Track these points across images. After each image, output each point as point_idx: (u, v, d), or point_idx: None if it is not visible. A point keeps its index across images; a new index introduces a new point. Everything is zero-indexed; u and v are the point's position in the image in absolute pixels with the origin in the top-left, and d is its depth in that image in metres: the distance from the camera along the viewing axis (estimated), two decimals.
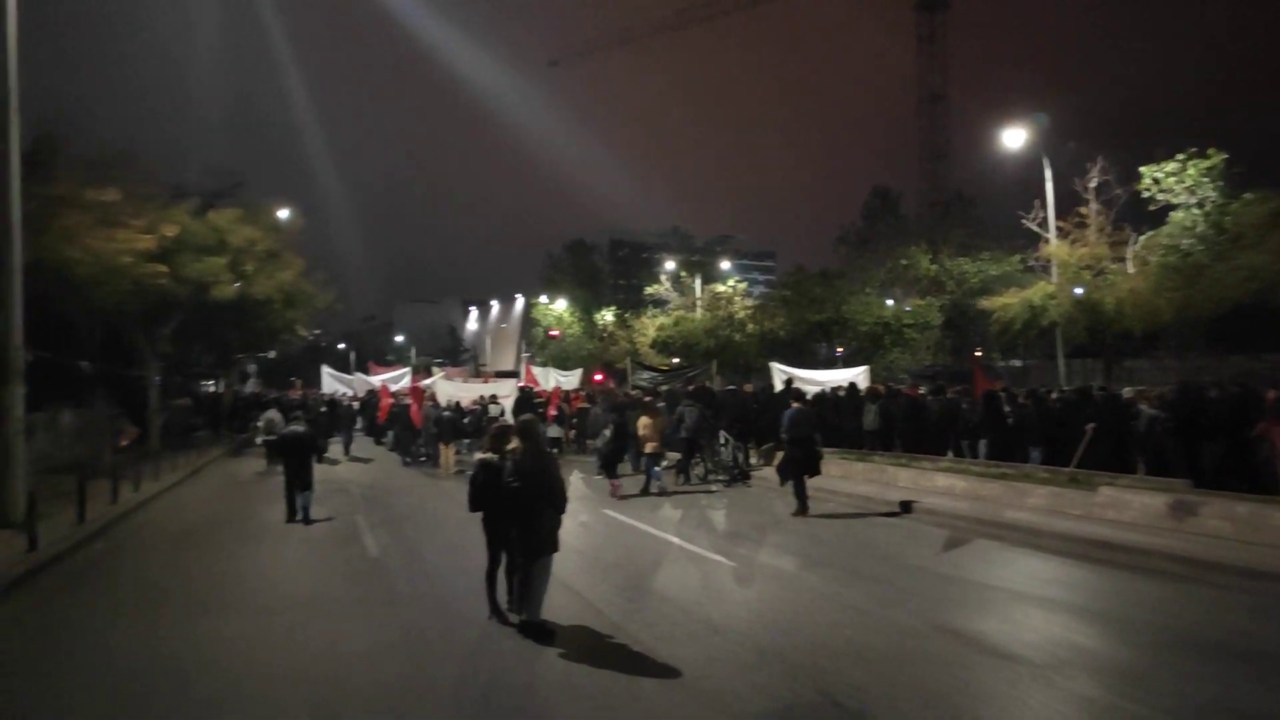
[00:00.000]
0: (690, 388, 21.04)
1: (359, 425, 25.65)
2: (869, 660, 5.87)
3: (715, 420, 17.00)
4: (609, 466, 15.16)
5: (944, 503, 11.97)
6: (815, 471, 12.44)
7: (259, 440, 21.38)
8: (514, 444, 6.90)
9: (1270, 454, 10.24)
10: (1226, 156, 21.41)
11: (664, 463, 15.61)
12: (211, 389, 39.47)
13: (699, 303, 43.49)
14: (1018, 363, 36.86)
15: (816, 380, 22.18)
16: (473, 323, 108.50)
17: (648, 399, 17.47)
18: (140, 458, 16.51)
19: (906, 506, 12.10)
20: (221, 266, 19.92)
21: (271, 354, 53.39)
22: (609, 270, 73.02)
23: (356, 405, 26.47)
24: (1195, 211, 21.87)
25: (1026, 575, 8.50)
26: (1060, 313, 23.23)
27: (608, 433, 15.71)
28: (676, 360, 36.59)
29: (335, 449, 22.43)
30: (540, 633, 6.50)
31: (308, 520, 12.18)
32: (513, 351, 78.48)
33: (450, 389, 25.14)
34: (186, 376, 30.22)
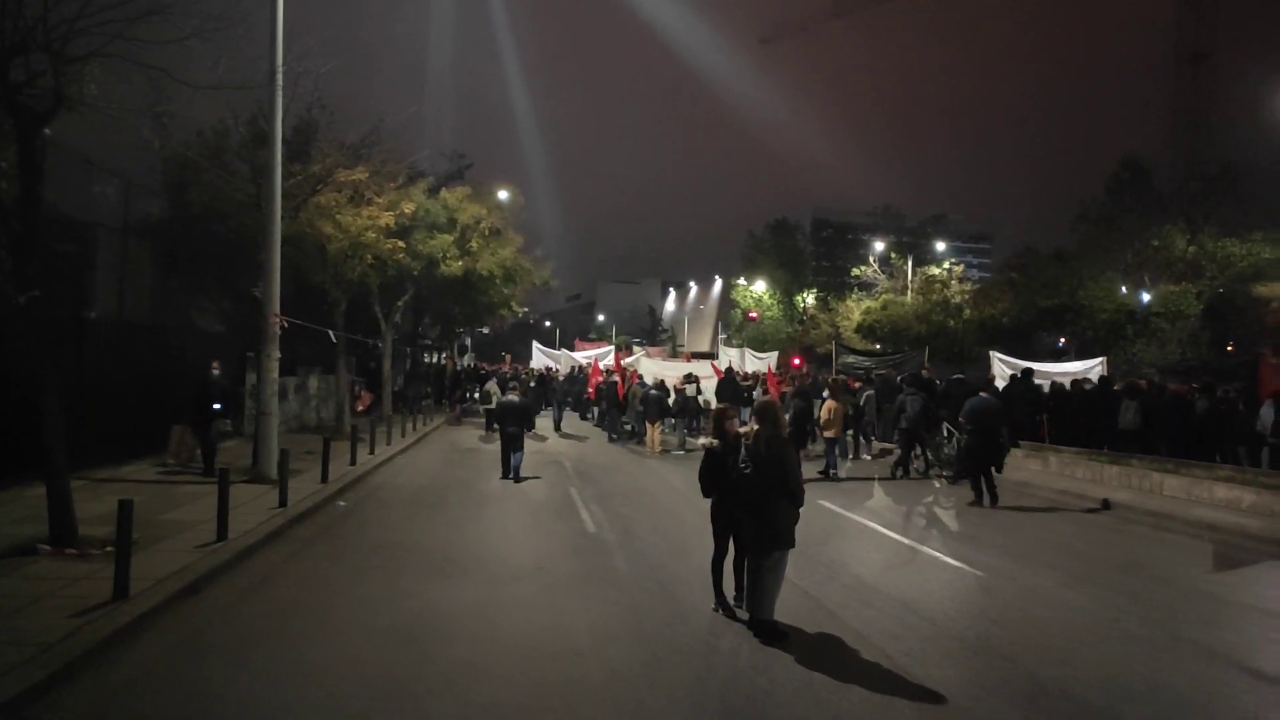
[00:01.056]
0: (901, 376, 19.80)
1: (568, 400, 26.37)
2: (1180, 710, 4.93)
3: (938, 412, 15.79)
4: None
5: (1225, 517, 10.30)
6: (998, 465, 12.28)
7: (481, 409, 22.75)
8: (748, 428, 6.45)
9: None
10: None
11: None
12: (433, 360, 42.23)
13: (910, 286, 41.25)
14: None
15: (1048, 373, 20.24)
16: (671, 303, 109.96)
17: (833, 381, 17.37)
18: (375, 422, 17.77)
19: (1173, 519, 10.53)
20: (450, 243, 21.02)
21: (485, 329, 56.58)
22: (811, 251, 71.17)
23: (564, 381, 27.17)
24: None
25: None
26: None
27: (787, 416, 15.25)
28: (879, 346, 34.84)
29: (544, 423, 23.13)
30: (772, 633, 6.03)
31: (518, 478, 13.68)
32: (709, 332, 78.65)
33: (654, 367, 25.25)
34: (415, 347, 32.47)
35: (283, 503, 10.25)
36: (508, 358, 61.73)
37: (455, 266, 21.18)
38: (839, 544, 9.46)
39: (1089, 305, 31.18)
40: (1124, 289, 33.14)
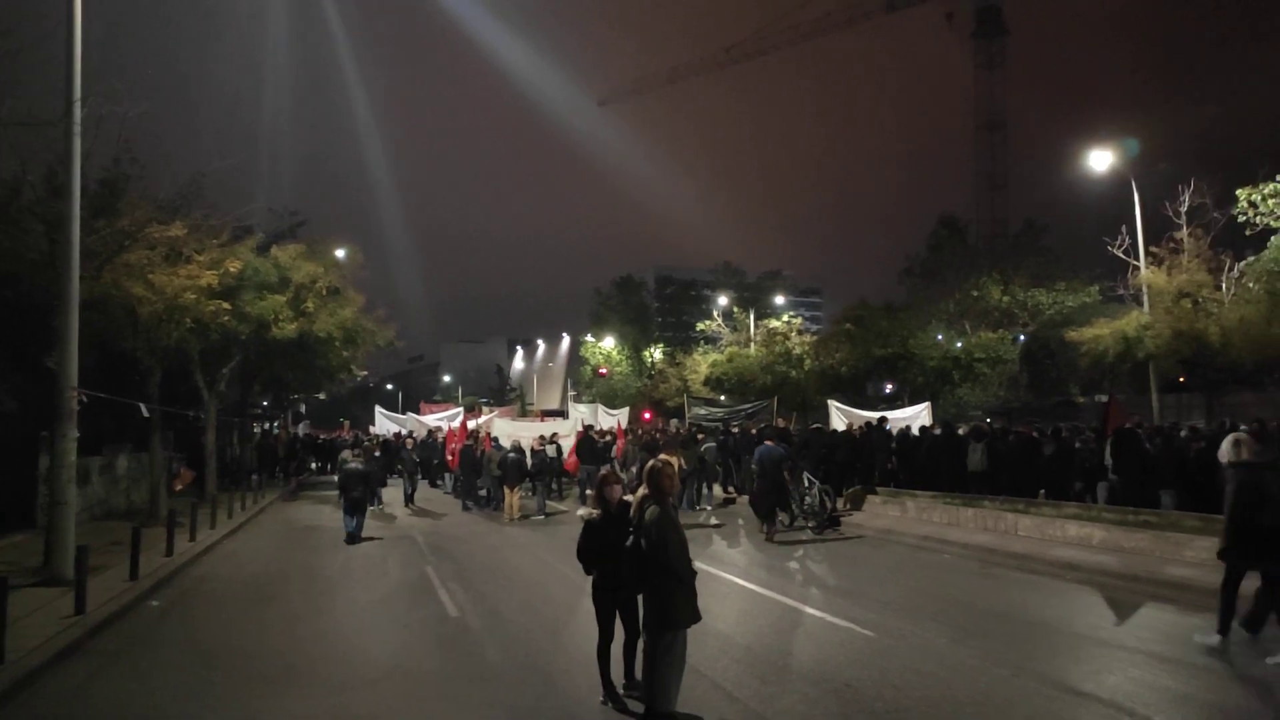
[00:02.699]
0: (762, 425, 19.96)
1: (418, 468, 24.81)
2: None
3: (799, 462, 15.87)
4: None
5: (1084, 556, 10.66)
6: (783, 504, 14.72)
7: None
8: (636, 494, 5.87)
9: None
10: None
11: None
12: (262, 430, 39.21)
13: (753, 339, 42.44)
14: (1103, 398, 34.95)
15: (871, 417, 21.10)
16: (519, 361, 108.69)
17: (669, 435, 19.75)
18: (197, 503, 15.79)
19: (1037, 560, 10.80)
20: (283, 304, 19.38)
21: (322, 395, 53.41)
22: (656, 308, 72.35)
23: (412, 448, 25.54)
24: None
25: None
26: (1158, 344, 21.73)
27: (634, 469, 17.17)
28: (723, 398, 35.49)
29: (392, 494, 21.65)
30: None
31: (358, 540, 14.37)
32: (559, 390, 78.03)
33: (509, 428, 24.27)
34: (243, 418, 29.85)
35: (80, 609, 8.62)
36: (346, 424, 58.53)
37: (289, 329, 19.50)
38: (721, 609, 8.95)
39: (919, 353, 33.02)
40: (940, 337, 35.40)
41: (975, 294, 34.76)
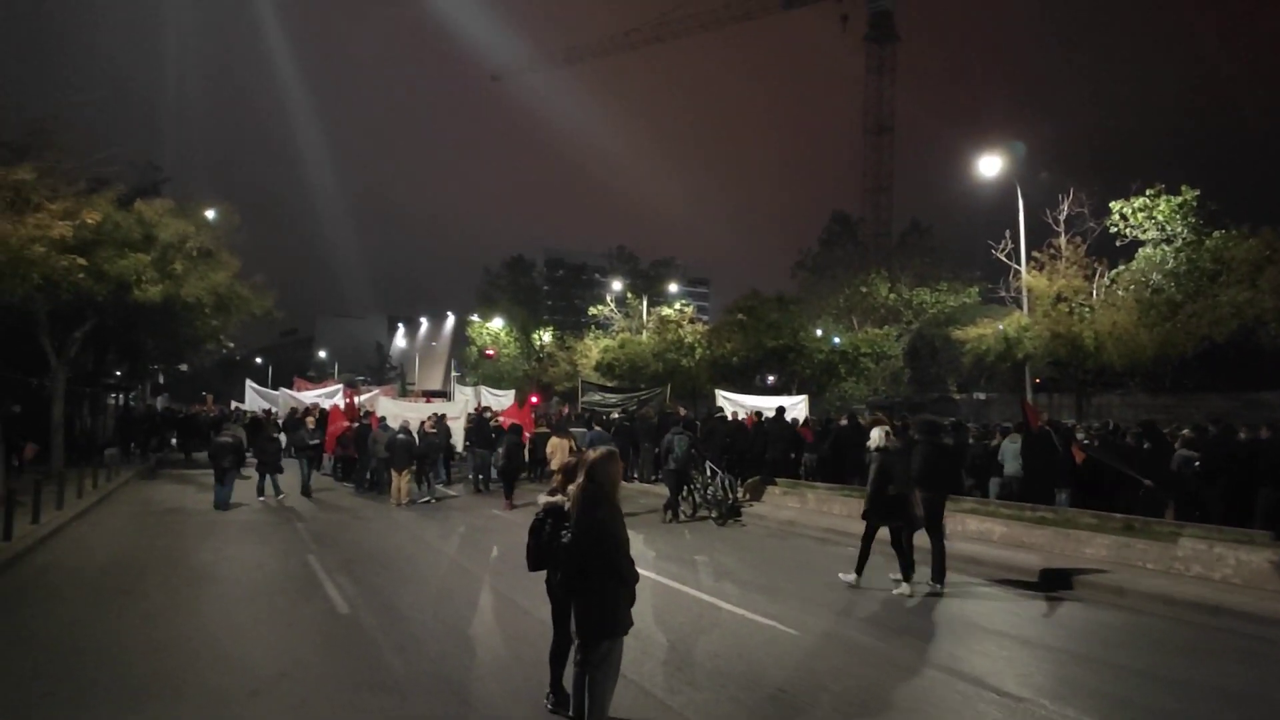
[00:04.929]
0: (666, 412, 19.69)
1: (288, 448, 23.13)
2: None
3: (703, 450, 15.64)
4: (506, 484, 17.08)
5: (989, 551, 10.78)
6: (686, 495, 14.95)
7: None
8: (573, 487, 5.28)
9: None
10: (1198, 193, 21.29)
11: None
12: (125, 402, 36.13)
13: (646, 326, 42.29)
14: (981, 396, 36.64)
15: (753, 406, 21.27)
16: (400, 340, 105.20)
17: (555, 420, 19.66)
18: (41, 480, 14.04)
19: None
20: (147, 264, 17.54)
21: (184, 366, 49.89)
22: (546, 290, 71.43)
23: (314, 427, 23.76)
24: (1165, 248, 21.72)
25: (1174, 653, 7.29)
26: (1037, 345, 22.70)
27: (501, 451, 17.67)
28: (610, 384, 35.27)
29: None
30: None
31: (226, 506, 15.25)
32: (442, 370, 75.92)
33: (396, 408, 23.07)
34: (95, 388, 27.16)
35: None
36: (209, 399, 55.06)
37: (153, 292, 17.67)
38: (638, 606, 8.41)
39: (809, 346, 33.66)
40: (820, 331, 36.24)
41: (864, 290, 35.67)
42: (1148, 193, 21.72)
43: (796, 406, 22.21)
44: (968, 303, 32.74)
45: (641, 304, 44.48)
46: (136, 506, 16.18)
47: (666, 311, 41.83)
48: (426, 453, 19.08)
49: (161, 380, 51.48)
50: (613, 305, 46.54)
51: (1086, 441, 13.90)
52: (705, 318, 54.59)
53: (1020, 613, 8.44)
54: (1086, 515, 11.08)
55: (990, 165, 24.23)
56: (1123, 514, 11.10)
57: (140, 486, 19.60)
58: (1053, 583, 9.30)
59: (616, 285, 49.74)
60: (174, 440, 30.44)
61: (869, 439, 9.93)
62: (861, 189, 55.94)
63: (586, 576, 4.95)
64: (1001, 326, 24.10)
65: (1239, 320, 19.76)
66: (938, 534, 9.39)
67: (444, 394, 39.32)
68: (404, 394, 44.78)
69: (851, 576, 9.35)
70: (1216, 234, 20.94)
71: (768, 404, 21.15)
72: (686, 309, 42.18)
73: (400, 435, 17.24)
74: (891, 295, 35.36)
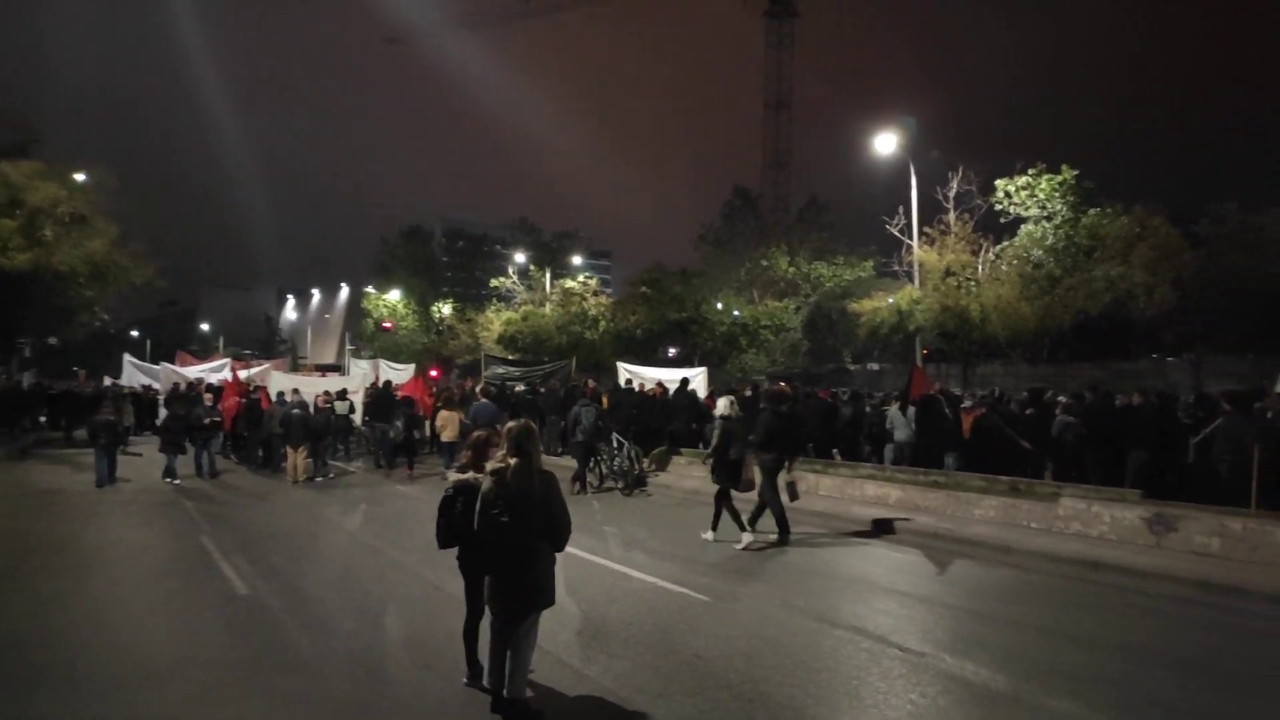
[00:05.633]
0: (572, 385, 19.58)
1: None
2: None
3: (609, 422, 15.66)
4: (403, 454, 17.63)
5: (887, 514, 11.18)
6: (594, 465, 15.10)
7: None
8: (496, 458, 5.16)
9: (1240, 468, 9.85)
10: (1077, 173, 22.48)
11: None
12: (5, 375, 33.44)
13: (549, 298, 41.93)
14: (875, 366, 37.96)
15: (656, 378, 21.41)
16: (290, 312, 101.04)
17: (445, 391, 20.02)
18: None
19: (847, 519, 11.21)
20: (13, 229, 16.15)
21: (53, 340, 46.52)
22: (446, 261, 69.74)
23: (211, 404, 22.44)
24: (1046, 225, 22.88)
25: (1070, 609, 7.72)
26: (927, 317, 23.63)
27: (399, 424, 17.79)
28: (512, 357, 34.95)
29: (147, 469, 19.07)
30: (525, 714, 4.89)
31: (107, 482, 14.92)
32: (336, 344, 73.50)
33: (290, 383, 22.16)
34: None
35: None
36: (82, 374, 51.55)
37: (19, 259, 16.29)
38: None
39: (711, 319, 34.11)
40: (721, 304, 36.75)
41: (765, 264, 36.32)
42: (1030, 172, 22.79)
43: (696, 378, 22.45)
44: (863, 276, 33.82)
45: (544, 276, 44.07)
46: (9, 488, 15.04)
47: (570, 284, 41.59)
48: (324, 428, 18.48)
49: (28, 355, 47.89)
50: (515, 277, 45.91)
51: (970, 405, 14.54)
52: (609, 290, 54.62)
53: (919, 572, 8.81)
54: (976, 479, 11.63)
55: (885, 143, 24.82)
56: (1008, 476, 11.71)
57: (10, 467, 18.23)
58: (882, 530, 10.67)
59: (519, 257, 49.02)
60: (43, 418, 28.44)
61: (716, 408, 10.73)
62: (762, 164, 56.87)
63: (525, 549, 4.88)
64: (894, 300, 25.02)
65: (1112, 294, 21.11)
66: (774, 493, 10.21)
67: (338, 368, 38.14)
68: (296, 368, 43.21)
69: (709, 535, 10.25)
70: (1092, 212, 22.23)
71: (670, 376, 21.27)
72: (590, 281, 42.04)
73: (295, 410, 16.58)
74: (791, 269, 36.16)
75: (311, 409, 17.70)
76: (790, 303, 35.04)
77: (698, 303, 34.32)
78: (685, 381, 18.59)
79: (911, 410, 13.97)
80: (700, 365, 27.87)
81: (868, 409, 15.64)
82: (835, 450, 15.24)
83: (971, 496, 10.85)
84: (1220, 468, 10.16)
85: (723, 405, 10.50)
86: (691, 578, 8.39)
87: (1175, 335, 26.02)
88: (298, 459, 16.19)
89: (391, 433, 18.21)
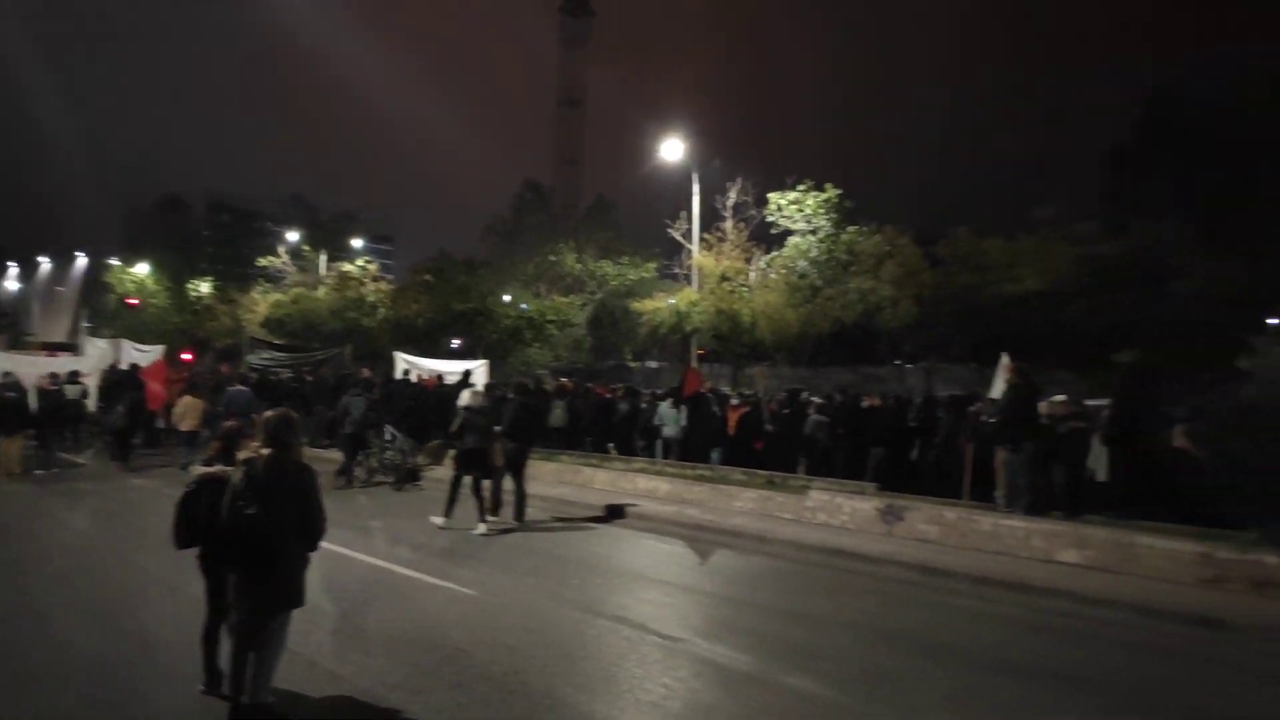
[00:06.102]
0: (344, 374, 18.61)
1: None
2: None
3: (382, 414, 15.04)
4: (122, 443, 15.87)
5: (654, 507, 11.58)
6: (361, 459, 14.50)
7: None
8: (249, 449, 4.78)
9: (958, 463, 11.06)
10: (840, 191, 24.45)
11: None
12: None
13: (324, 281, 39.58)
14: (654, 364, 39.08)
15: (434, 369, 21.05)
16: (11, 282, 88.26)
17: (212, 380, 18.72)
18: None
19: (617, 512, 11.48)
20: None
21: None
22: (208, 236, 63.91)
23: None
24: (810, 238, 24.73)
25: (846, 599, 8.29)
26: (703, 319, 24.76)
27: (121, 408, 16.00)
28: (279, 342, 32.76)
29: None
30: (270, 718, 4.60)
31: None
32: (69, 320, 65.18)
33: (8, 363, 19.36)
34: None
35: None
36: None
37: None
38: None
39: (497, 311, 33.70)
40: (509, 296, 36.57)
41: (553, 259, 36.46)
42: (799, 188, 24.49)
43: (478, 371, 22.09)
44: (646, 277, 34.81)
45: (320, 258, 41.54)
46: None
47: (348, 267, 39.47)
48: (50, 415, 16.37)
49: None
50: (286, 256, 42.89)
51: (737, 403, 15.45)
52: (390, 276, 52.49)
53: (683, 562, 9.21)
54: (737, 472, 12.36)
55: (672, 149, 25.69)
56: (764, 470, 12.52)
57: None
58: (613, 515, 11.35)
59: (292, 236, 45.80)
60: None
61: (459, 399, 11.11)
62: (554, 160, 57.04)
63: (277, 547, 4.55)
64: (674, 301, 26.00)
65: (863, 305, 23.19)
66: (520, 479, 10.75)
67: (72, 347, 33.87)
68: (18, 346, 37.88)
69: (440, 519, 10.40)
70: (851, 229, 24.26)
71: (452, 368, 20.79)
72: (370, 266, 40.16)
73: (10, 394, 14.51)
74: (578, 265, 36.54)
75: (35, 392, 15.67)
76: (577, 299, 35.42)
77: (484, 294, 33.79)
78: (468, 374, 18.25)
79: (683, 407, 14.58)
80: (484, 358, 27.48)
81: (643, 405, 16.12)
82: (611, 444, 15.60)
83: (733, 489, 11.51)
84: (941, 463, 11.47)
85: (465, 396, 10.89)
86: (459, 572, 8.26)
87: (914, 345, 29.02)
88: (12, 449, 14.19)
89: (112, 416, 16.36)
